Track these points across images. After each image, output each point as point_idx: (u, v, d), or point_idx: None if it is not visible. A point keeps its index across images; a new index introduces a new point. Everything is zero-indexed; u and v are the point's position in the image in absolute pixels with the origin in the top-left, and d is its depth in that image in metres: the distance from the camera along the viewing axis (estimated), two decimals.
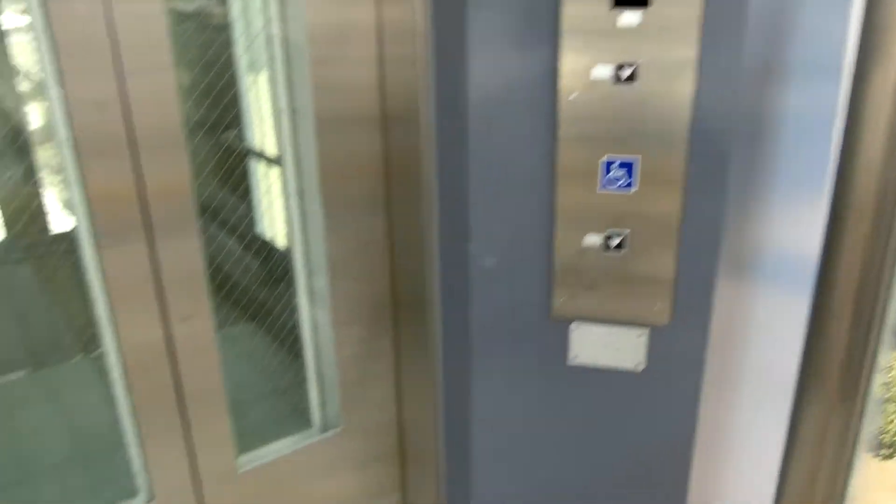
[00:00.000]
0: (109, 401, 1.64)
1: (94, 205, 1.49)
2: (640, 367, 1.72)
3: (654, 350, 1.70)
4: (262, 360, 2.18)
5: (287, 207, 1.92)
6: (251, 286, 2.21)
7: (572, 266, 1.64)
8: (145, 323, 1.63)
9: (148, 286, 1.60)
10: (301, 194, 1.87)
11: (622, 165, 1.54)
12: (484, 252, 1.69)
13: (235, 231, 2.21)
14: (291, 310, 2.08)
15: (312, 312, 2.02)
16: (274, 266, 2.14)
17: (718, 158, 1.50)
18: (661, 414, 1.77)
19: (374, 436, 2.14)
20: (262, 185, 2.19)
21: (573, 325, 1.72)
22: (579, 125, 1.52)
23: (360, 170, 1.83)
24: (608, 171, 1.55)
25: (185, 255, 1.63)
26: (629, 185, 1.55)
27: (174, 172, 1.56)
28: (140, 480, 1.80)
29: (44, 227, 1.85)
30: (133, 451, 1.78)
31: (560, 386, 1.81)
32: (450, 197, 1.73)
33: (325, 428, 2.12)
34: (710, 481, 1.92)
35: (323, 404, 2.11)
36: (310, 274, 1.98)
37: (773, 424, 1.81)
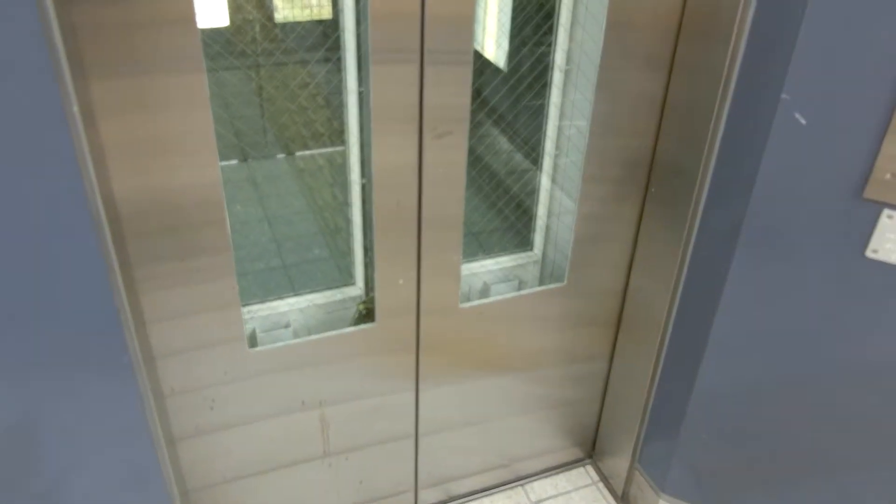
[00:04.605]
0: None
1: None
2: None
3: None
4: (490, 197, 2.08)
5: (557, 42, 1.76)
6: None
7: None
8: (400, 138, 1.56)
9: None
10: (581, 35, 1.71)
11: None
12: (801, 103, 1.43)
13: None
14: (536, 153, 1.94)
15: (559, 159, 1.87)
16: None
17: None
18: None
19: (596, 296, 2.02)
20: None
21: (886, 213, 1.45)
22: None
23: (650, 20, 1.64)
24: None
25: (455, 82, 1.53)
26: None
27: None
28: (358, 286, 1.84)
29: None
30: (357, 259, 1.79)
31: (846, 280, 1.57)
32: (763, 35, 1.47)
33: (546, 280, 2.03)
34: None
35: (549, 256, 2.00)
36: (567, 118, 1.83)
37: None
